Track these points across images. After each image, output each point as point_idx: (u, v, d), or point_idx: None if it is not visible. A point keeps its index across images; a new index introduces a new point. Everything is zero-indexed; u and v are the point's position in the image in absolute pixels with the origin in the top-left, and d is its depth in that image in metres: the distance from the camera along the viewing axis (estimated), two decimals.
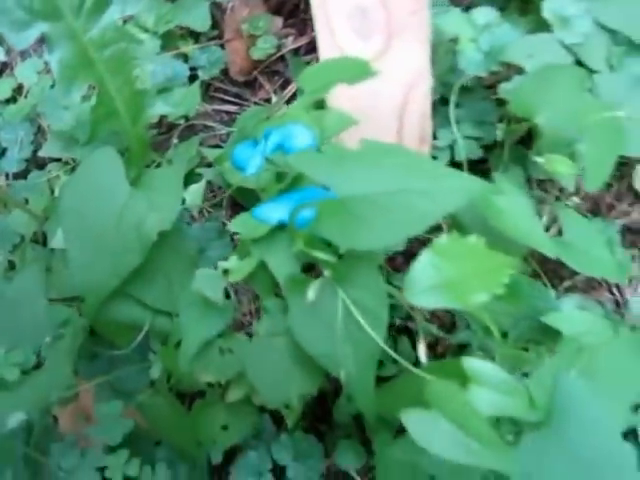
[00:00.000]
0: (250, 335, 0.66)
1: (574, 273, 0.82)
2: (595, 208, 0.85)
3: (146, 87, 0.77)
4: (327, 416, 0.82)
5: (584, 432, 0.54)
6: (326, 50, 0.77)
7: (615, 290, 0.82)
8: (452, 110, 0.75)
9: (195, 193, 0.77)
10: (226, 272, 0.62)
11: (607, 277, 0.74)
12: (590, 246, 0.73)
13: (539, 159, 0.68)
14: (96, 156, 0.69)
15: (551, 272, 0.82)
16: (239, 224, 0.62)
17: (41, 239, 0.90)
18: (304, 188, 0.64)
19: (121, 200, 0.67)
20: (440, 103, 0.79)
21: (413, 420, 0.51)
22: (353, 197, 0.54)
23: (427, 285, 0.54)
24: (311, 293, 0.55)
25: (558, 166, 0.66)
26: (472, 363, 0.55)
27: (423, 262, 0.54)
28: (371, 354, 0.59)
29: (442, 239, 0.56)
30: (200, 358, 0.64)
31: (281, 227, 0.62)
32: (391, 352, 0.57)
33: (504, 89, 0.75)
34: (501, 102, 0.81)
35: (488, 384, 0.55)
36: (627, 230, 0.83)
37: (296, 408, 0.70)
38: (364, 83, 0.72)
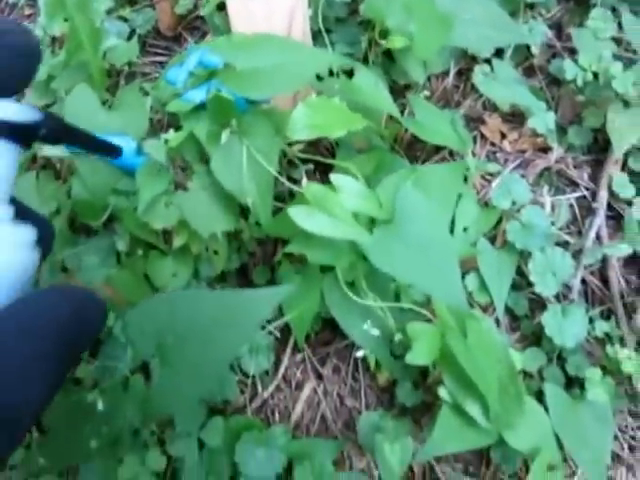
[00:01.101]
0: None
1: (430, 156, 1.05)
2: (445, 104, 1.08)
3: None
4: (250, 285, 1.04)
5: (417, 224, 0.78)
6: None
7: None
8: (323, 30, 0.98)
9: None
10: (167, 141, 0.84)
11: (450, 146, 0.97)
12: (436, 124, 0.96)
13: (382, 41, 0.91)
14: (76, 91, 0.91)
15: (411, 155, 1.05)
16: (173, 105, 0.85)
17: None
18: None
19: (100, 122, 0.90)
20: (319, 32, 1.02)
21: (298, 213, 0.74)
22: (247, 69, 0.78)
23: (303, 125, 0.77)
24: (224, 137, 0.78)
25: (396, 42, 0.88)
26: (338, 178, 0.78)
27: (299, 111, 0.78)
28: (268, 185, 0.81)
29: (312, 98, 0.80)
30: (151, 210, 0.86)
31: (203, 106, 0.84)
32: (282, 179, 0.80)
33: (363, 8, 0.98)
34: (367, 26, 1.04)
35: (350, 191, 0.78)
36: (470, 119, 1.07)
37: (223, 251, 0.93)
38: (259, 13, 0.95)
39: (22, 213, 0.40)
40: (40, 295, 0.34)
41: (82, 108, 0.89)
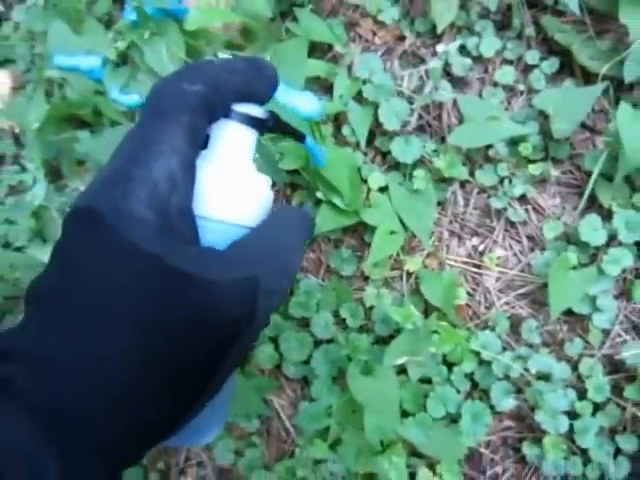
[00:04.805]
0: None
1: (324, 54, 1.65)
2: (334, 16, 1.67)
3: None
4: None
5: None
6: None
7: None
8: None
9: None
10: (116, 48, 1.47)
11: (327, 41, 1.55)
12: (316, 26, 1.55)
13: None
14: (54, 26, 1.54)
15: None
16: (122, 25, 1.47)
17: None
18: None
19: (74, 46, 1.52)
20: None
21: None
22: None
23: (194, 20, 1.38)
24: (146, 35, 1.39)
25: None
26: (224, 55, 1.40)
27: (191, 13, 1.39)
28: (180, 65, 1.43)
29: (201, 2, 1.41)
30: (118, 96, 1.49)
31: (136, 23, 1.46)
32: (189, 60, 1.41)
33: None
34: None
35: None
36: (350, 25, 1.64)
37: None
38: None
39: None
40: (284, 210, 0.56)
41: (59, 38, 1.50)
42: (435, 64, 1.48)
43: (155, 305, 0.40)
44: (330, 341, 1.43)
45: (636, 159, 1.27)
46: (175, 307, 0.41)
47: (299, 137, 0.77)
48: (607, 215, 1.37)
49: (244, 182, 0.54)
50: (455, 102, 1.52)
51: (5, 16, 1.85)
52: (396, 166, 1.50)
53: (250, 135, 0.57)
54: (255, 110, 0.56)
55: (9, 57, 1.74)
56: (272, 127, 0.61)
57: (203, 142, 0.53)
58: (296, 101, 1.24)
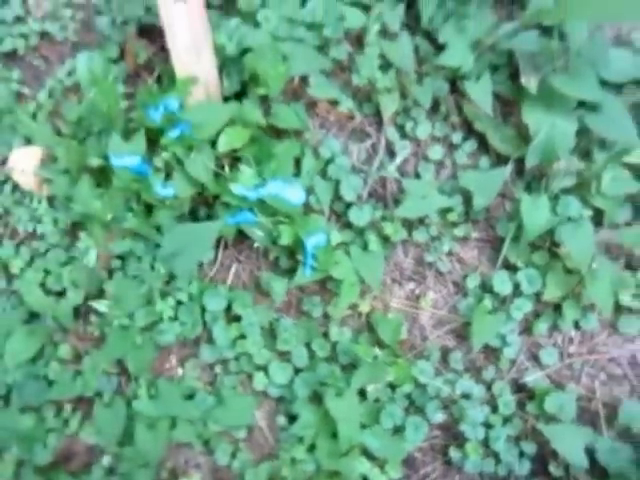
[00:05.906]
0: None
1: (298, 135, 2.06)
2: (296, 100, 2.07)
3: None
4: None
5: (275, 177, 1.81)
6: None
7: None
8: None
9: None
10: (164, 159, 1.86)
11: (295, 127, 1.98)
12: (286, 114, 1.95)
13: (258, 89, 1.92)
14: (113, 138, 1.93)
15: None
16: (165, 140, 1.86)
17: None
18: None
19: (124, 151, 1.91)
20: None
21: (231, 185, 1.77)
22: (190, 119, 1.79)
23: (221, 143, 1.79)
24: (192, 155, 1.80)
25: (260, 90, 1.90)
26: (242, 167, 1.81)
27: (221, 137, 1.80)
28: (209, 172, 1.83)
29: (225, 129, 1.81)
30: (163, 186, 1.89)
31: (179, 138, 1.86)
32: (217, 169, 1.82)
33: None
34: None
35: (245, 172, 1.81)
36: (310, 105, 2.06)
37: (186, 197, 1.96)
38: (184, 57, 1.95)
39: None
40: None
41: (117, 146, 1.87)
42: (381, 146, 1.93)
43: None
44: (300, 370, 1.92)
45: (534, 232, 1.76)
46: None
47: None
48: (513, 268, 1.85)
49: None
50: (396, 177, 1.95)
51: (26, 96, 2.27)
52: (349, 225, 1.93)
53: None
54: None
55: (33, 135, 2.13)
56: None
57: None
58: (288, 194, 1.69)
